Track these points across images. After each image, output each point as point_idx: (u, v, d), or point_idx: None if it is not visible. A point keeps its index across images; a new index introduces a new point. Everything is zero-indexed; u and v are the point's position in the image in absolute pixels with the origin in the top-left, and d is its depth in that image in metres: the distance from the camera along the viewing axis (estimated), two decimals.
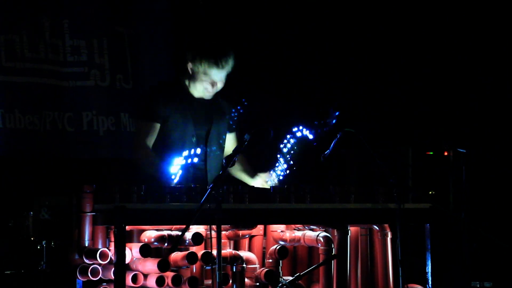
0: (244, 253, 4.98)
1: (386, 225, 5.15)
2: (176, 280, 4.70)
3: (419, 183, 6.26)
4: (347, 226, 5.04)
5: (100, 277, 4.67)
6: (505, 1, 7.40)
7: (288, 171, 5.24)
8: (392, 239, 5.12)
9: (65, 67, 6.82)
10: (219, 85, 5.45)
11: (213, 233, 4.55)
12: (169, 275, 4.71)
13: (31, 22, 6.70)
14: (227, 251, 4.91)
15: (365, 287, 5.14)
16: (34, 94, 6.68)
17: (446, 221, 5.27)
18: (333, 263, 4.98)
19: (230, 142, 5.68)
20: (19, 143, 6.62)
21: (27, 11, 6.68)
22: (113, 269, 4.60)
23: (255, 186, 5.43)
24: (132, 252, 4.72)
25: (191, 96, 5.51)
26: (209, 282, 4.87)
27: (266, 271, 4.95)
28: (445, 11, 7.42)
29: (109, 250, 4.65)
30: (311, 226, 5.10)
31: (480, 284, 6.39)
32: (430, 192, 5.34)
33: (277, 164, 5.26)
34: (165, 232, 4.78)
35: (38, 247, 4.93)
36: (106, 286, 4.75)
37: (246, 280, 4.94)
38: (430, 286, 5.15)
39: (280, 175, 5.31)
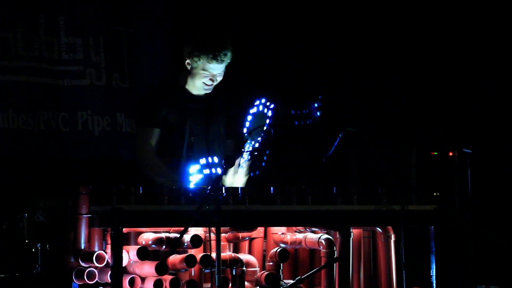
0: (244, 256, 4.95)
1: (390, 227, 5.12)
2: (175, 283, 4.67)
3: (423, 184, 6.27)
4: (349, 228, 5.02)
5: (97, 280, 4.64)
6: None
7: (252, 148, 5.15)
8: (395, 242, 5.10)
9: (60, 65, 6.77)
10: (218, 79, 5.39)
11: (212, 236, 4.54)
12: (167, 278, 4.68)
13: (26, 19, 6.66)
14: (227, 254, 4.88)
15: None
16: (29, 93, 6.64)
17: (451, 223, 5.25)
18: (335, 266, 4.96)
19: (228, 149, 5.65)
20: (12, 143, 6.57)
21: (22, 8, 6.63)
22: (109, 272, 4.56)
23: (230, 183, 5.42)
24: (129, 255, 4.69)
25: (189, 96, 5.46)
26: (208, 285, 4.84)
27: (267, 274, 4.92)
28: (451, 8, 7.41)
29: (106, 252, 4.63)
30: (313, 228, 5.08)
31: (486, 287, 6.36)
32: (435, 194, 5.30)
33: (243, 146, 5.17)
34: (163, 235, 4.75)
35: (33, 250, 4.88)
36: None
37: (246, 283, 4.91)
38: None
39: (248, 158, 5.26)
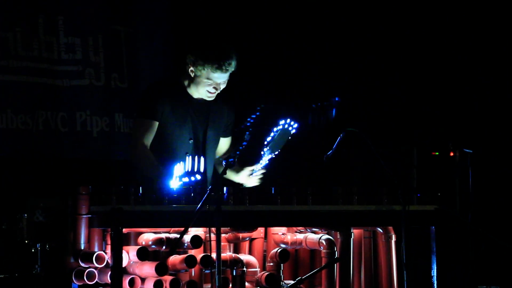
0: (245, 257, 4.93)
1: (391, 228, 5.10)
2: (175, 284, 4.65)
3: (424, 184, 6.24)
4: (350, 229, 5.01)
5: (96, 281, 4.63)
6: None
7: (271, 157, 5.18)
8: (396, 242, 5.08)
9: (59, 65, 6.77)
10: (222, 86, 5.36)
11: (213, 236, 4.51)
12: (167, 279, 4.67)
13: (26, 19, 6.65)
14: (227, 254, 4.86)
15: None
16: (27, 93, 6.64)
17: (452, 223, 5.24)
18: (336, 266, 4.94)
19: (226, 146, 5.62)
20: (11, 143, 6.57)
21: (21, 8, 6.63)
22: (109, 273, 4.55)
23: (239, 181, 5.42)
24: (129, 255, 4.68)
25: (190, 96, 5.42)
26: (208, 286, 4.83)
27: (267, 275, 4.90)
28: (451, 8, 7.42)
29: (106, 253, 4.61)
30: (313, 229, 5.06)
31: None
32: (436, 194, 5.30)
33: (262, 156, 5.21)
34: (163, 235, 4.73)
35: (33, 250, 4.88)
36: None
37: (246, 284, 4.89)
38: None
39: (264, 165, 5.26)
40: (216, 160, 5.54)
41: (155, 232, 4.74)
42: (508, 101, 7.37)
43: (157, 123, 5.31)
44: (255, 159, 5.30)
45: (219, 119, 5.52)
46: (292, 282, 4.90)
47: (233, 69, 5.29)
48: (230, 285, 4.82)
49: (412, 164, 6.31)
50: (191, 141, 5.37)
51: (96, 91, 6.92)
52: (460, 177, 6.11)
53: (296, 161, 6.86)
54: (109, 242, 4.61)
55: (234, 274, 4.84)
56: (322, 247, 4.93)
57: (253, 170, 5.36)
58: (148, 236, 4.72)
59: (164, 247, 4.69)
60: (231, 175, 5.45)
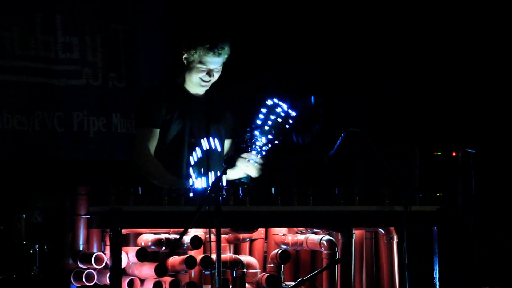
0: (245, 257, 4.91)
1: (392, 228, 5.09)
2: (174, 285, 4.64)
3: (426, 185, 6.24)
4: (351, 229, 4.99)
5: (95, 282, 4.61)
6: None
7: (270, 145, 5.15)
8: (398, 243, 5.06)
9: (56, 64, 6.75)
10: (216, 75, 5.34)
11: (213, 237, 4.49)
12: (166, 280, 4.65)
13: (23, 18, 6.64)
14: (227, 255, 4.85)
15: None
16: (24, 93, 6.65)
17: (454, 224, 5.26)
18: (337, 267, 4.92)
19: (226, 148, 5.60)
20: (7, 143, 6.56)
21: (19, 7, 6.62)
22: (108, 274, 4.53)
23: (239, 175, 5.39)
24: (128, 256, 4.66)
25: (189, 96, 5.41)
26: (208, 287, 4.81)
27: (268, 276, 4.88)
28: (452, 7, 7.43)
29: (105, 254, 4.59)
30: (314, 229, 5.04)
31: None
32: (438, 194, 5.30)
33: (254, 140, 5.16)
34: (163, 236, 4.71)
35: (31, 251, 4.86)
36: None
37: (246, 285, 4.88)
38: None
39: (261, 151, 5.22)
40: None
41: (154, 233, 4.72)
42: (510, 101, 7.38)
43: (158, 130, 5.33)
44: (248, 142, 5.24)
45: (220, 116, 5.50)
46: (293, 283, 4.89)
47: (226, 55, 5.28)
48: (230, 286, 4.80)
49: (414, 164, 6.31)
50: (193, 140, 5.35)
51: (93, 91, 6.93)
52: (463, 177, 6.11)
53: (297, 161, 6.86)
54: (108, 243, 4.60)
55: (234, 275, 4.81)
56: (323, 248, 4.91)
57: (249, 158, 5.31)
58: (147, 237, 4.71)
59: (163, 248, 4.68)
60: (232, 172, 5.43)
